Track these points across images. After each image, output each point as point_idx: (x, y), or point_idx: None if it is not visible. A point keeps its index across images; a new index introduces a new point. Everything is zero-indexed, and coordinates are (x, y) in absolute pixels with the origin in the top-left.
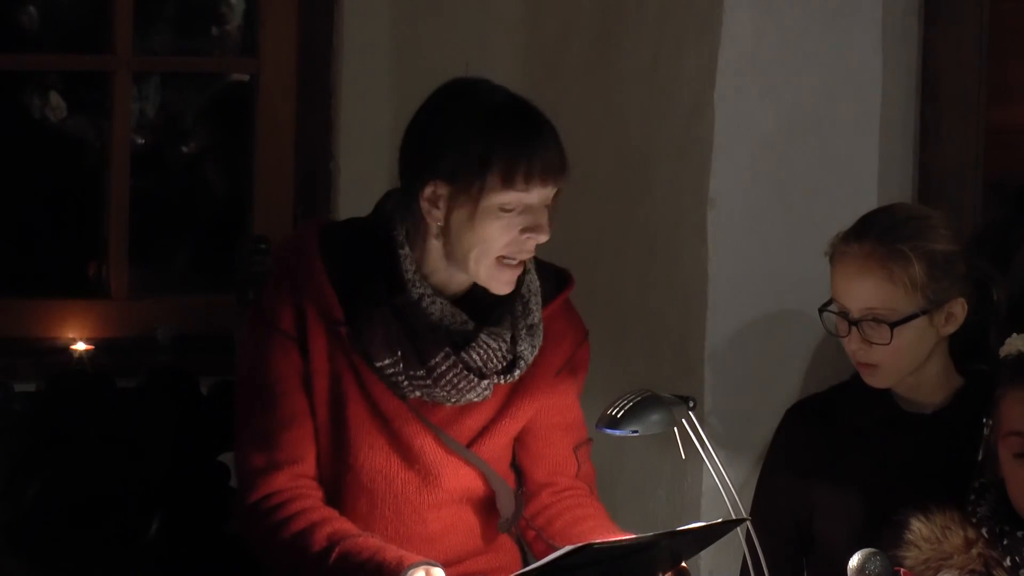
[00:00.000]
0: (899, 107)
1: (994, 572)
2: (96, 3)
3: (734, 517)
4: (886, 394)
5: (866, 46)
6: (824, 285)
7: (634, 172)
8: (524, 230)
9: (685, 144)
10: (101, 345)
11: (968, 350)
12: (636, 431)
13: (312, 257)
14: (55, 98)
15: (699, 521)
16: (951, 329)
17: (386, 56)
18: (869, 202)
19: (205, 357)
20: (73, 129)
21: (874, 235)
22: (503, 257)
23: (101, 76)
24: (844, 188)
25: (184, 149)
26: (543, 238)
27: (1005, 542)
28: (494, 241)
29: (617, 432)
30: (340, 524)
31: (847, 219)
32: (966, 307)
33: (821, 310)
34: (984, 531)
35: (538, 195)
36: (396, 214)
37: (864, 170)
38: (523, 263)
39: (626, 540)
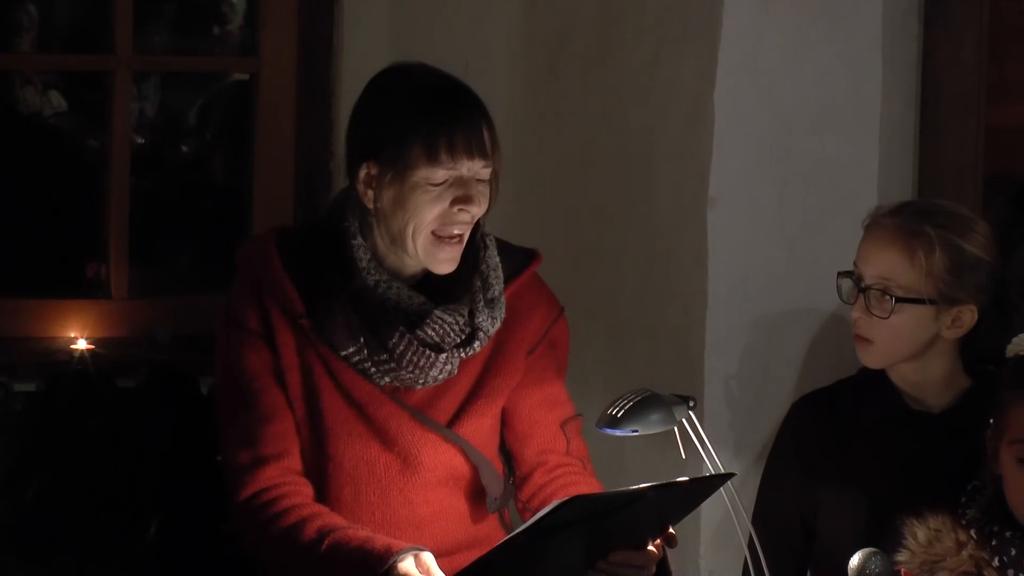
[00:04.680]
0: (899, 107)
1: (984, 572)
2: (96, 3)
3: (722, 472)
4: (893, 391)
5: (866, 46)
6: (823, 284)
7: (634, 172)
8: (454, 202)
9: (685, 144)
10: (101, 345)
11: (980, 353)
12: (636, 431)
13: (270, 256)
14: (55, 97)
15: (698, 521)
16: (956, 333)
17: (386, 56)
18: (869, 202)
19: (205, 357)
20: (73, 128)
21: (910, 213)
22: (438, 233)
23: (101, 76)
24: (844, 188)
25: (184, 148)
26: (475, 210)
27: (994, 542)
28: (425, 215)
29: (617, 432)
30: (330, 518)
31: (847, 219)
32: (976, 316)
33: (840, 274)
34: (973, 532)
35: (466, 168)
36: (347, 207)
37: (864, 170)
38: (462, 239)
39: (613, 492)
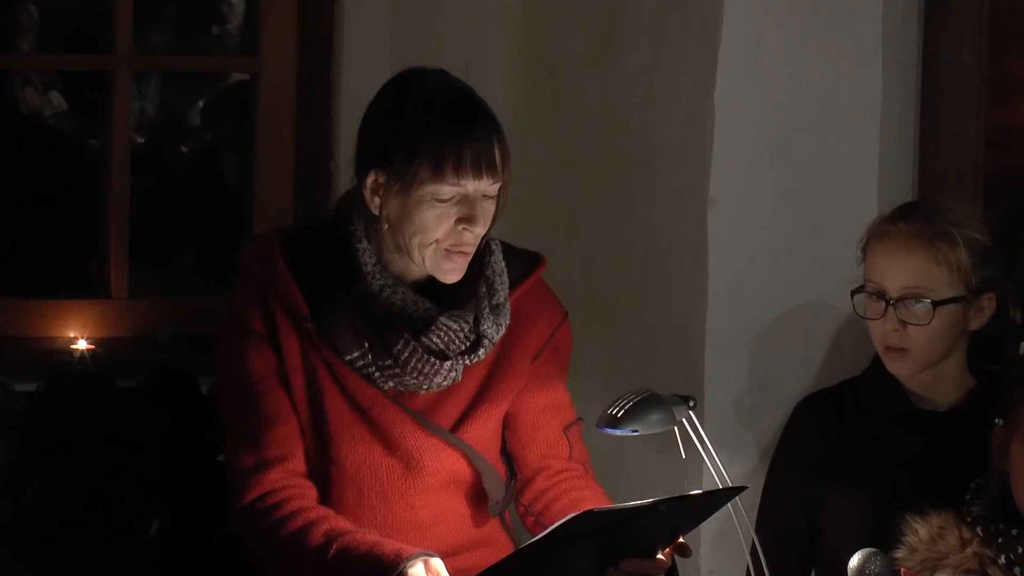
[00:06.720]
0: (899, 107)
1: (989, 570)
2: (96, 2)
3: (733, 485)
4: (899, 390)
5: (866, 46)
6: (824, 284)
7: (634, 172)
8: (459, 220)
9: (685, 144)
10: (101, 345)
11: (983, 352)
12: (636, 431)
13: (275, 258)
14: (55, 97)
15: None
16: (978, 324)
17: (386, 56)
18: (869, 202)
19: (205, 357)
20: (73, 128)
21: (920, 216)
22: (445, 247)
23: (101, 76)
24: (844, 188)
25: (184, 148)
26: (479, 230)
27: (1000, 540)
28: (430, 230)
29: (617, 432)
30: (337, 522)
31: (847, 219)
32: (995, 303)
33: (854, 293)
34: (979, 530)
35: (472, 186)
36: (353, 209)
37: (864, 170)
38: (469, 252)
39: (626, 505)
